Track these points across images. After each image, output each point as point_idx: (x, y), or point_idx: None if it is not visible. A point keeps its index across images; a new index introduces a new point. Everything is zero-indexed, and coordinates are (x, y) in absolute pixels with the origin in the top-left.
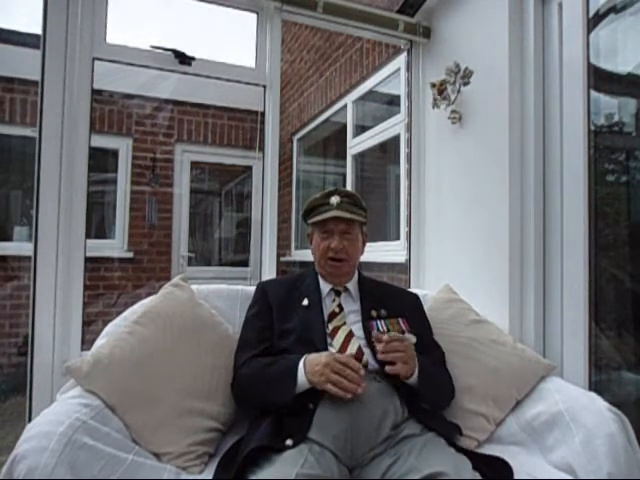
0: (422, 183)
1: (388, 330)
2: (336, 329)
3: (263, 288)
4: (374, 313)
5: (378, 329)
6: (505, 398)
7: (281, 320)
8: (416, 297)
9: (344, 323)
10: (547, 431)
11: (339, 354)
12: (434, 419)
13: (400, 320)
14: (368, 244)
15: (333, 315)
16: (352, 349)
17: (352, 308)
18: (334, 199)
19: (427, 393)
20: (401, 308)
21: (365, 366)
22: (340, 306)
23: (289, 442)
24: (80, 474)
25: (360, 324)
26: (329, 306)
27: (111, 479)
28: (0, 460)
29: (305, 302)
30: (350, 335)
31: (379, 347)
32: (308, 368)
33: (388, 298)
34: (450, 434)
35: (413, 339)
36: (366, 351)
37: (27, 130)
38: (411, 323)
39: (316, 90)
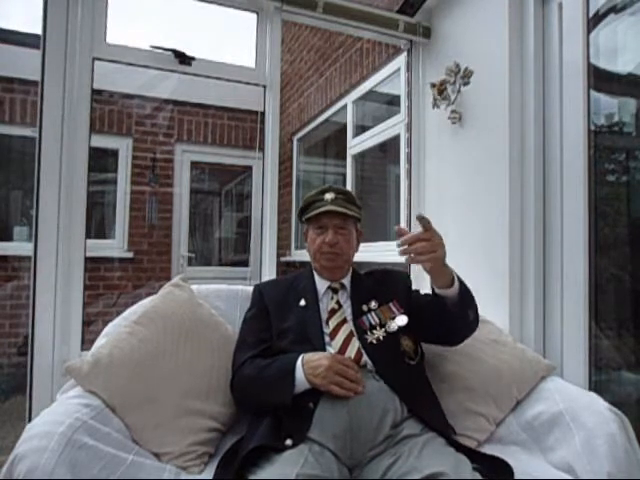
0: (422, 183)
1: (380, 320)
2: (337, 329)
3: (259, 290)
4: (365, 308)
5: (370, 324)
6: (505, 398)
7: (279, 320)
8: (405, 275)
9: (344, 319)
10: (547, 431)
11: (339, 355)
12: (433, 417)
13: (391, 304)
14: (368, 244)
15: (333, 312)
16: (352, 350)
17: (348, 304)
18: (328, 195)
19: (468, 302)
20: (391, 291)
21: (364, 365)
22: (339, 302)
23: (289, 442)
24: (80, 474)
25: (352, 322)
26: (327, 304)
27: (111, 479)
28: (0, 460)
29: (302, 302)
30: (350, 335)
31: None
32: (308, 370)
33: (377, 286)
34: (447, 433)
35: (404, 320)
36: (362, 350)
37: (27, 130)
38: (402, 303)
39: (316, 90)
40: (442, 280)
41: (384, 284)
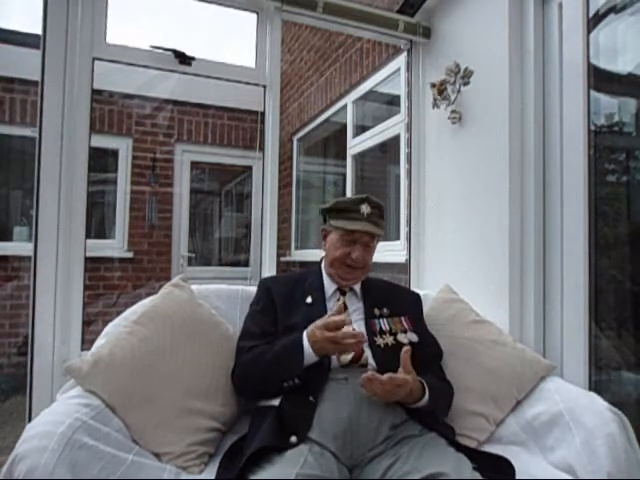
0: (422, 183)
1: (390, 329)
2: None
3: (266, 285)
4: (377, 312)
5: (380, 328)
6: (505, 398)
7: (285, 316)
8: (418, 297)
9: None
10: (547, 431)
11: (328, 333)
12: (432, 418)
13: (403, 319)
14: None
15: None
16: None
17: (356, 306)
18: (365, 208)
19: (435, 411)
20: (404, 307)
21: (365, 365)
22: (344, 305)
23: (293, 439)
24: (80, 474)
25: (362, 322)
26: (334, 305)
27: (111, 479)
28: (0, 460)
29: (309, 300)
30: None
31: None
32: (314, 344)
33: (391, 297)
34: (447, 433)
35: (415, 337)
36: (367, 350)
37: (27, 130)
38: (413, 322)
39: (316, 90)
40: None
41: (398, 297)
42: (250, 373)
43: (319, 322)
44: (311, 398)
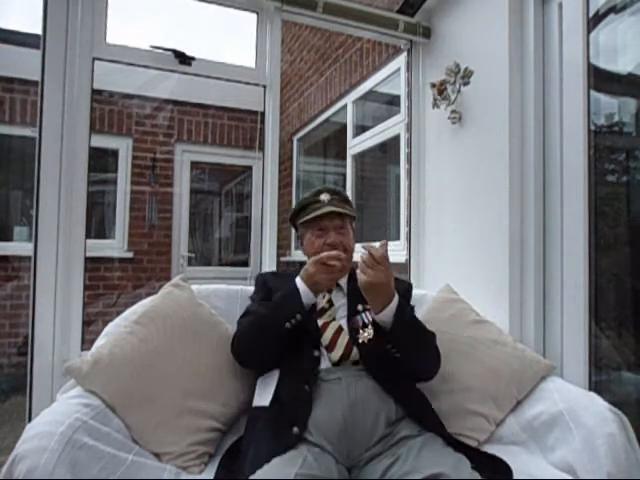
0: (422, 183)
1: (373, 320)
2: (325, 325)
3: (264, 278)
4: (360, 307)
5: (363, 322)
6: (505, 398)
7: None
8: (408, 286)
9: (333, 319)
10: (547, 431)
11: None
12: (428, 415)
13: None
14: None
15: (322, 311)
16: (342, 343)
17: (340, 302)
18: (324, 196)
19: (401, 337)
20: None
21: (356, 362)
22: (330, 301)
23: (295, 430)
24: (80, 474)
25: (345, 319)
26: (319, 302)
27: (111, 479)
28: (0, 460)
29: None
30: (339, 330)
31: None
32: (308, 281)
33: None
34: (445, 432)
35: None
36: (356, 348)
37: (27, 130)
38: None
39: (316, 90)
40: (372, 304)
41: None
42: (249, 329)
43: (312, 258)
44: (306, 387)
